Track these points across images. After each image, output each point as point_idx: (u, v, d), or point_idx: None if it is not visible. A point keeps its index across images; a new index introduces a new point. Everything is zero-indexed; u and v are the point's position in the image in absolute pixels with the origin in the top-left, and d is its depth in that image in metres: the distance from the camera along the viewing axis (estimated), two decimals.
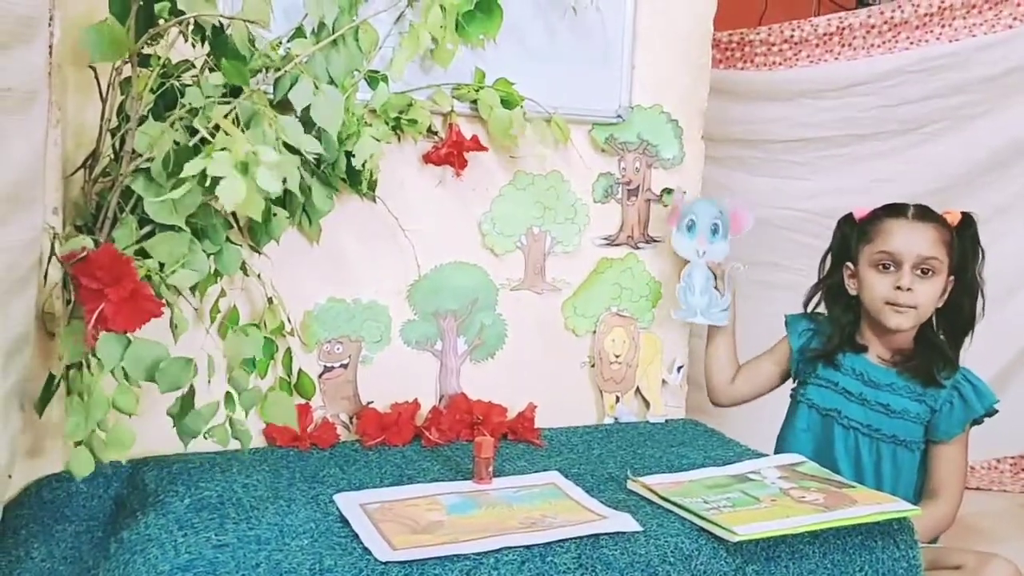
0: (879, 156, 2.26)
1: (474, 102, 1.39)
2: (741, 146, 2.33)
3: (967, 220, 1.48)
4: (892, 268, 1.45)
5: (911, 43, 2.16)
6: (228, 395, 1.09)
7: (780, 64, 2.27)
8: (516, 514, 1.09)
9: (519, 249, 1.50)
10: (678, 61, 1.56)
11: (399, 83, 1.31)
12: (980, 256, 1.48)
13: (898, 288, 1.43)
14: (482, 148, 1.40)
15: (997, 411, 1.45)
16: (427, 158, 1.39)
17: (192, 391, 1.05)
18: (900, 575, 1.13)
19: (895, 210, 1.48)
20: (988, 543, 1.72)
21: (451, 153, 1.38)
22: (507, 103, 1.39)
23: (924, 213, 1.47)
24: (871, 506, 1.12)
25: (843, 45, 2.22)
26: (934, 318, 1.49)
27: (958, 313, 1.48)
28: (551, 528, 1.04)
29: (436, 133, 1.39)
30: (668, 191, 1.57)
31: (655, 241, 1.59)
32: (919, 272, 1.43)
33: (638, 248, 1.58)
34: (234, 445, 1.12)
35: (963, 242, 1.47)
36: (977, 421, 1.46)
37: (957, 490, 1.45)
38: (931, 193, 2.22)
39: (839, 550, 1.11)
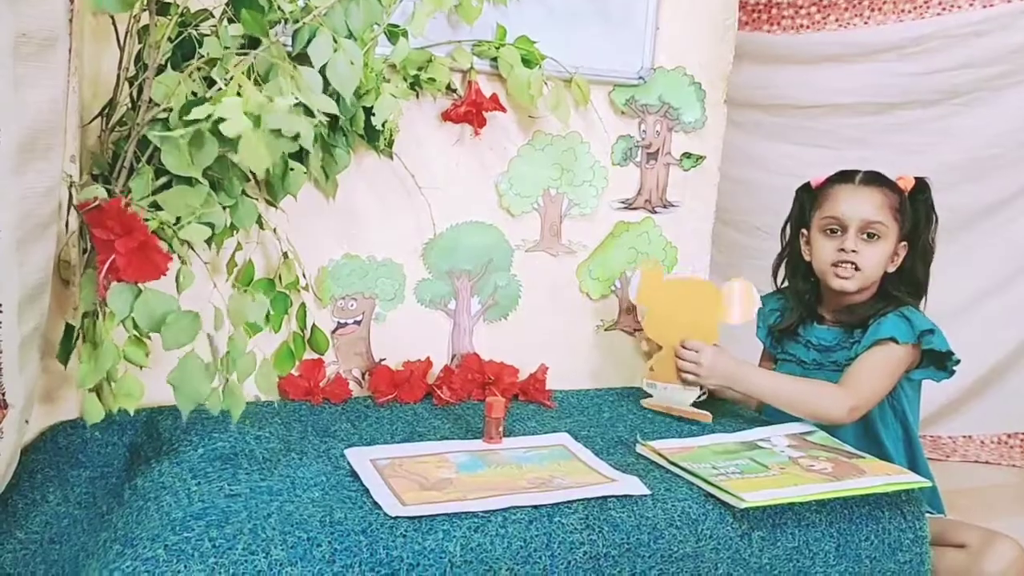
0: (907, 126, 2.22)
1: (494, 60, 1.37)
2: (763, 111, 2.29)
3: (921, 186, 1.48)
4: (839, 232, 1.47)
5: (943, 8, 2.10)
6: (227, 356, 1.06)
7: (807, 27, 2.22)
8: (525, 474, 1.10)
9: (535, 210, 1.49)
10: (703, 22, 1.53)
11: (419, 39, 1.29)
12: (933, 222, 1.48)
13: (842, 250, 1.45)
14: (501, 108, 1.39)
15: (952, 355, 1.39)
16: (446, 116, 1.38)
17: (195, 358, 1.01)
18: (906, 546, 1.14)
19: (845, 176, 1.50)
20: (996, 516, 1.73)
21: (470, 112, 1.36)
22: (528, 62, 1.37)
23: (872, 178, 1.48)
24: (879, 477, 1.12)
25: (873, 9, 2.16)
26: (889, 282, 1.48)
27: (912, 277, 1.49)
28: (559, 489, 1.04)
29: (455, 91, 1.38)
30: (688, 156, 1.56)
31: (673, 206, 1.58)
32: (864, 236, 1.45)
33: (655, 212, 1.57)
34: (250, 394, 1.11)
35: (916, 208, 1.47)
36: (935, 363, 1.41)
37: (863, 386, 1.37)
38: (957, 167, 2.18)
39: (845, 519, 1.11)
